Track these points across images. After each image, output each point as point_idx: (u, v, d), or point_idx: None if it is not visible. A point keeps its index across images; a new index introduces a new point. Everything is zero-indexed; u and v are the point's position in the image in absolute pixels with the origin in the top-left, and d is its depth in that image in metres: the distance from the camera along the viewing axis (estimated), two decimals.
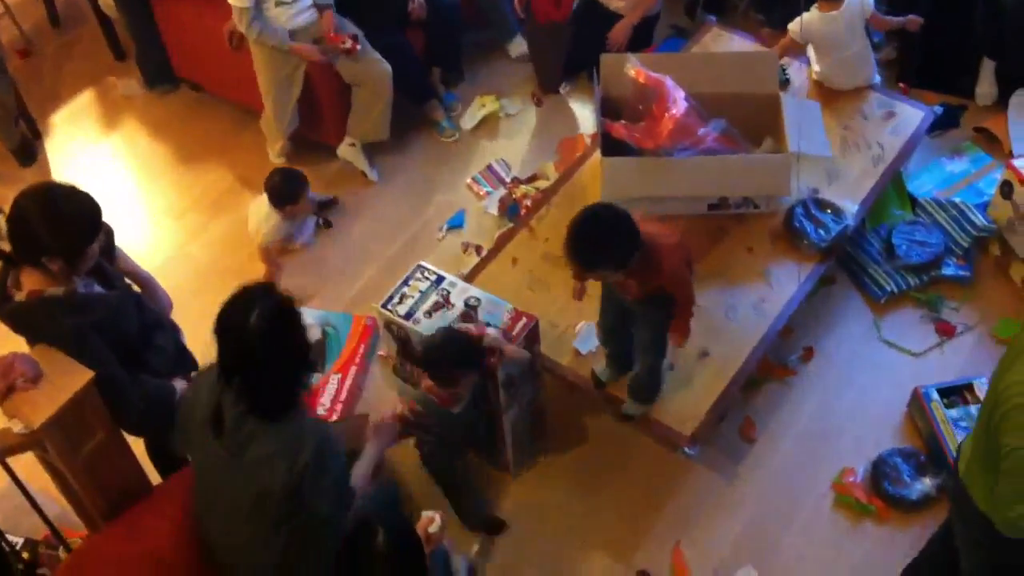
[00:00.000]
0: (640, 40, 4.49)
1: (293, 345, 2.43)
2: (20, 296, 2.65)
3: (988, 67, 4.45)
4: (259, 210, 4.09)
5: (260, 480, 2.45)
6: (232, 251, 4.21)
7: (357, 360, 3.77)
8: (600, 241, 2.81)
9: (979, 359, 3.66)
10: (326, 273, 4.15)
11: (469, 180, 4.45)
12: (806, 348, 3.74)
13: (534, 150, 4.57)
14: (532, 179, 4.40)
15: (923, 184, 4.18)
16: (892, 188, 4.00)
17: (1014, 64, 4.40)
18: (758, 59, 3.92)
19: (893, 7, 4.27)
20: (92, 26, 5.12)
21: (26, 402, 2.56)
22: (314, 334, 3.75)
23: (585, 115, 4.69)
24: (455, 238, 4.23)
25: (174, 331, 3.06)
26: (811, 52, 4.12)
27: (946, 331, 3.76)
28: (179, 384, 2.90)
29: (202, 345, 2.75)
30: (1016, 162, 3.76)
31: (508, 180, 4.42)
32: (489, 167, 4.49)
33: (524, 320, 3.17)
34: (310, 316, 3.84)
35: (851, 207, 3.68)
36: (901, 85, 4.53)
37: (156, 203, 4.53)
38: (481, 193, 4.39)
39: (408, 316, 3.20)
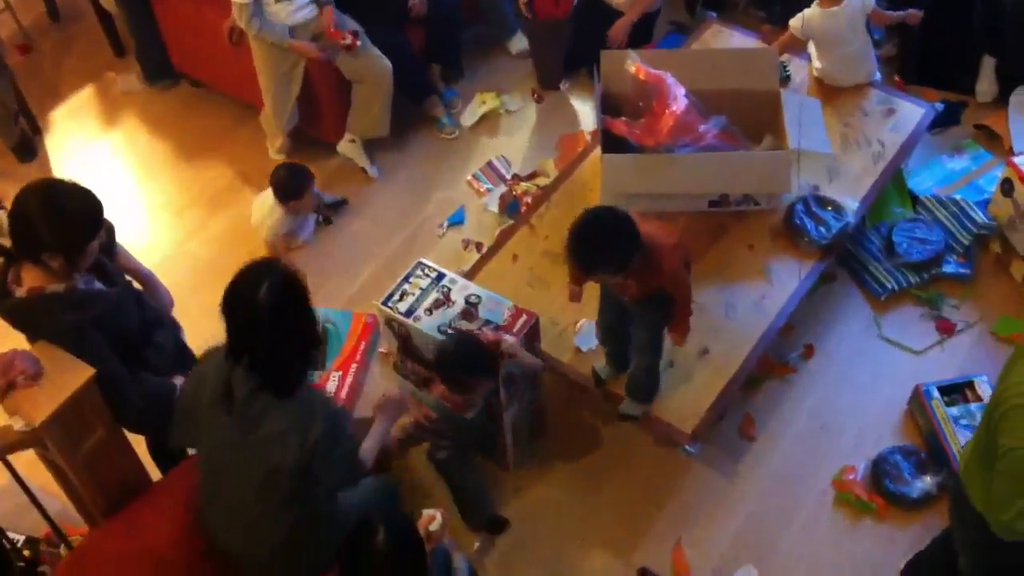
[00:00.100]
0: (640, 36, 4.49)
1: (302, 318, 2.45)
2: (20, 293, 2.65)
3: (988, 64, 4.44)
4: (263, 205, 4.09)
5: (272, 456, 2.47)
6: (232, 248, 4.20)
7: (358, 357, 3.77)
8: (601, 244, 2.81)
9: (979, 357, 3.67)
10: (326, 270, 4.14)
11: (469, 177, 4.45)
12: (806, 346, 3.74)
13: (534, 147, 4.56)
14: (532, 176, 4.40)
15: (923, 181, 4.18)
16: (892, 185, 4.00)
17: (1014, 62, 4.40)
18: (758, 56, 3.92)
19: (893, 2, 4.27)
20: (91, 22, 5.11)
21: (27, 399, 2.57)
22: None
23: (585, 112, 4.68)
24: (455, 235, 4.23)
25: (175, 328, 3.07)
26: (812, 49, 4.12)
27: (946, 329, 3.76)
28: (179, 381, 2.90)
29: (202, 342, 2.76)
30: (1017, 159, 3.76)
31: (508, 177, 4.42)
32: (489, 164, 4.48)
33: (524, 317, 3.17)
34: None
35: (852, 204, 3.68)
36: (897, 79, 4.52)
37: (156, 199, 4.53)
38: (481, 190, 4.39)
39: (409, 313, 3.19)
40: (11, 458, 2.74)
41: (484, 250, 3.92)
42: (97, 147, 4.76)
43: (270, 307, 2.35)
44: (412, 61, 4.49)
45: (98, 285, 2.79)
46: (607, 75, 3.79)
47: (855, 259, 3.92)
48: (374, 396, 3.58)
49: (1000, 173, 3.89)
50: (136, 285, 3.04)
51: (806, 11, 3.97)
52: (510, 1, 4.77)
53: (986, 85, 4.47)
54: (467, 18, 4.77)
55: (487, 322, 3.14)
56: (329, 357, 3.77)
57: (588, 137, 4.43)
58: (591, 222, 2.82)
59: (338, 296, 4.03)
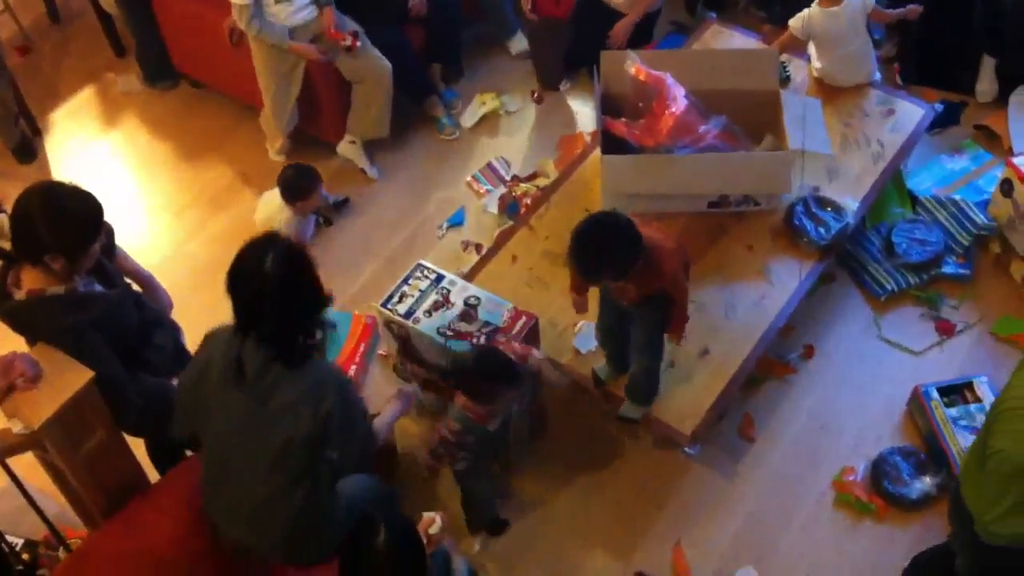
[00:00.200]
0: (640, 37, 4.49)
1: (309, 284, 2.49)
2: (20, 295, 2.66)
3: (988, 64, 4.44)
4: (270, 204, 4.09)
5: (285, 427, 2.49)
6: (232, 248, 4.11)
7: (357, 359, 3.77)
8: (603, 251, 2.80)
9: (979, 357, 3.67)
10: (326, 271, 4.03)
11: (469, 178, 4.45)
12: (806, 346, 3.74)
13: (534, 148, 4.56)
14: (532, 177, 4.40)
15: (923, 181, 4.17)
16: (892, 186, 4.00)
17: (1014, 62, 4.40)
18: (758, 56, 3.92)
19: (893, 1, 4.27)
20: (91, 22, 5.11)
21: (26, 402, 2.57)
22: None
23: (585, 113, 4.68)
24: (455, 236, 4.23)
25: (174, 330, 3.07)
26: (812, 49, 4.11)
27: (946, 329, 3.76)
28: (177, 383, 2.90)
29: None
30: (1016, 160, 3.76)
31: (508, 178, 4.41)
32: (489, 165, 4.48)
33: (524, 319, 3.17)
34: None
35: (851, 205, 3.68)
36: (895, 67, 4.52)
37: (155, 200, 4.53)
38: (481, 191, 4.38)
39: (408, 315, 3.20)
40: (10, 461, 2.74)
41: (484, 251, 3.92)
42: (97, 148, 4.76)
43: (277, 277, 2.39)
44: (412, 60, 4.49)
45: (98, 287, 2.79)
46: (607, 76, 3.79)
47: (855, 260, 3.92)
48: (374, 398, 3.59)
49: (1000, 173, 3.88)
50: (135, 287, 3.04)
51: (806, 11, 3.97)
52: (511, 1, 4.77)
53: (986, 85, 4.47)
54: (467, 16, 4.77)
55: (486, 324, 3.14)
56: (328, 358, 3.76)
57: (588, 138, 4.43)
58: (592, 228, 2.81)
59: (338, 297, 4.03)
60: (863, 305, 3.86)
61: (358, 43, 4.11)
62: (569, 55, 4.69)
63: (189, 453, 3.10)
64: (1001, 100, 4.42)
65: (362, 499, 2.87)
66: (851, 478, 3.40)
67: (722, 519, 3.35)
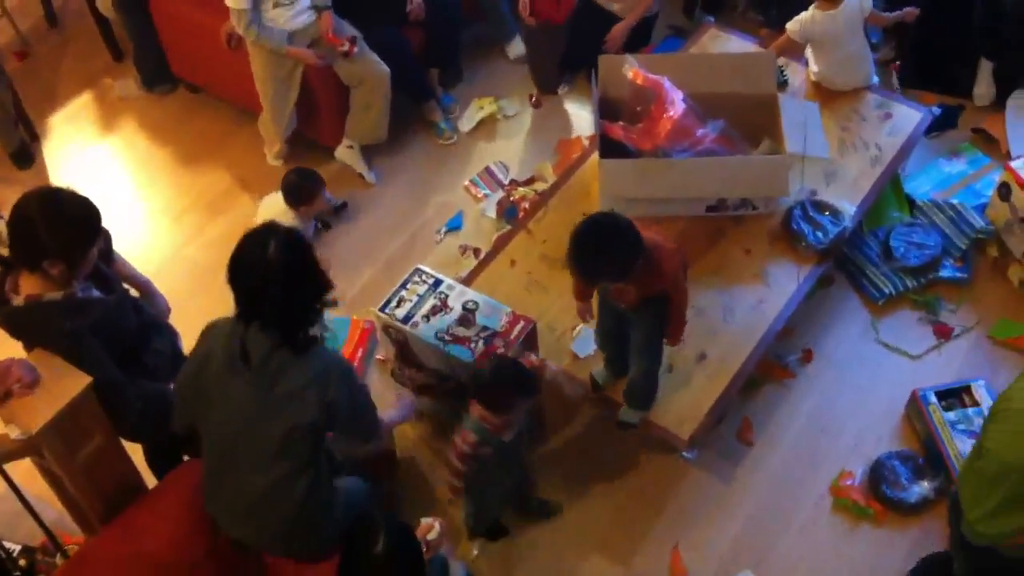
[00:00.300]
0: (638, 40, 4.50)
1: (312, 270, 2.52)
2: (18, 300, 2.66)
3: (986, 68, 4.44)
4: (272, 208, 4.08)
5: (291, 413, 2.51)
6: (230, 252, 4.19)
7: (355, 364, 3.77)
8: (603, 252, 2.79)
9: (977, 361, 3.67)
10: None
11: (467, 182, 4.45)
12: (804, 350, 3.74)
13: (532, 152, 4.56)
14: (530, 181, 4.40)
15: (921, 185, 4.18)
16: (890, 189, 4.00)
17: (1014, 64, 4.41)
18: (756, 60, 3.92)
19: (891, 4, 4.27)
20: (89, 27, 5.10)
21: (23, 407, 2.57)
22: None
23: (583, 117, 4.68)
24: (453, 240, 4.23)
25: (172, 335, 3.07)
26: (809, 52, 4.12)
27: (944, 333, 3.76)
28: None
29: None
30: (1014, 163, 3.76)
31: (506, 182, 4.42)
32: (487, 169, 4.48)
33: (522, 323, 3.17)
34: None
35: (849, 209, 3.68)
36: (895, 74, 4.52)
37: (153, 204, 4.53)
38: (479, 195, 4.39)
39: (406, 320, 3.19)
40: (7, 466, 2.74)
41: (482, 256, 3.92)
42: (95, 153, 4.76)
43: (281, 262, 2.43)
44: (412, 61, 4.49)
45: (96, 293, 2.79)
46: (605, 80, 3.80)
47: (852, 263, 3.92)
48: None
49: (997, 177, 3.89)
50: (133, 292, 3.04)
51: (804, 14, 3.97)
52: (510, 4, 4.76)
53: (983, 89, 4.47)
54: (467, 16, 4.76)
55: (484, 328, 3.14)
56: None
57: (586, 142, 4.43)
58: (592, 229, 2.80)
59: (336, 299, 4.03)
60: (861, 309, 3.86)
61: (355, 49, 4.11)
62: (565, 58, 4.69)
63: (187, 458, 3.10)
64: (999, 104, 4.42)
65: (358, 498, 2.89)
66: (849, 482, 3.39)
67: (720, 523, 3.34)
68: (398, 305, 3.24)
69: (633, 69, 3.65)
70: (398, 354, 3.34)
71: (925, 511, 3.30)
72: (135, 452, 3.06)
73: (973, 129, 4.40)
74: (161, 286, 3.25)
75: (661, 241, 2.91)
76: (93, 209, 2.67)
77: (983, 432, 2.44)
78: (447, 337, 3.14)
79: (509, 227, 4.05)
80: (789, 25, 4.01)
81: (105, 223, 2.78)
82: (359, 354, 3.79)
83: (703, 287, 3.49)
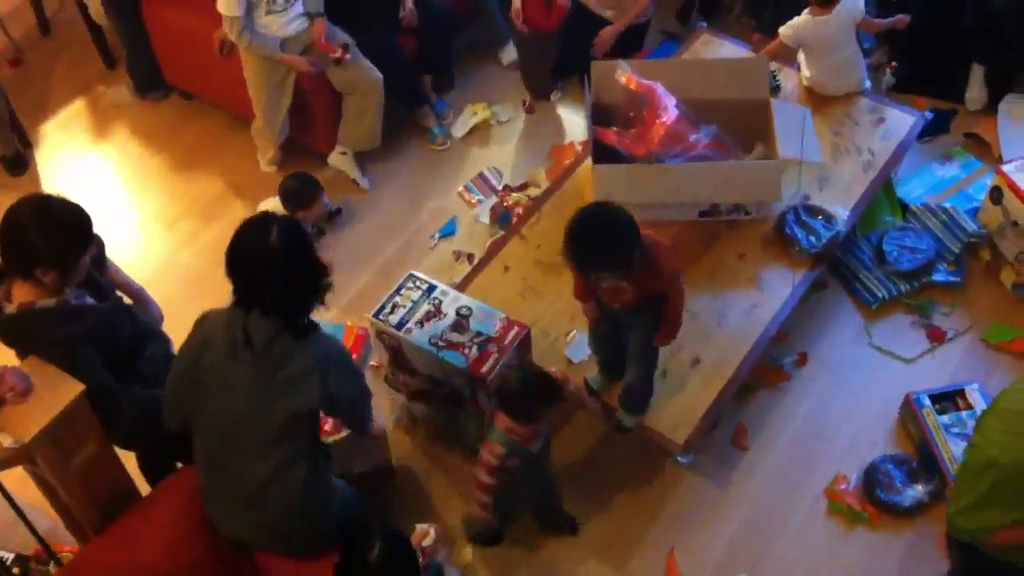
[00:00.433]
0: (630, 47, 4.50)
1: (311, 255, 2.58)
2: (11, 308, 2.66)
3: (978, 72, 4.46)
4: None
5: (293, 398, 2.56)
6: (223, 259, 4.18)
7: None
8: (601, 242, 2.75)
9: (970, 364, 3.67)
10: None
11: (461, 188, 4.45)
12: (800, 353, 3.75)
13: (525, 157, 4.56)
14: (523, 187, 4.40)
15: (913, 190, 4.19)
16: (883, 194, 4.01)
17: (1005, 67, 4.42)
18: (748, 65, 3.92)
19: (883, 10, 4.29)
20: (82, 34, 5.10)
21: (16, 415, 2.56)
22: None
23: (576, 122, 4.68)
24: (447, 246, 4.23)
25: (165, 342, 3.06)
26: (801, 57, 4.13)
27: (937, 337, 3.76)
28: None
29: None
30: (1006, 167, 3.78)
31: (499, 188, 4.42)
32: (480, 175, 4.48)
33: (516, 329, 3.17)
34: None
35: (842, 213, 3.69)
36: (892, 65, 4.54)
37: (147, 211, 4.52)
38: (473, 201, 4.39)
39: (400, 326, 3.19)
40: (0, 475, 2.73)
41: (475, 261, 3.92)
42: (88, 160, 4.75)
43: (283, 249, 2.47)
44: (405, 66, 4.49)
45: (89, 300, 2.79)
46: (598, 85, 3.80)
47: (846, 268, 3.93)
48: None
49: (989, 181, 3.90)
50: (126, 300, 3.04)
51: (797, 19, 3.98)
52: (502, 10, 4.77)
53: (975, 93, 4.48)
54: (461, 16, 4.76)
55: (478, 334, 3.14)
56: None
57: (579, 147, 4.44)
58: (589, 218, 2.77)
59: (330, 307, 4.01)
60: (854, 313, 3.87)
61: (348, 56, 4.11)
62: (558, 64, 4.69)
63: (180, 465, 3.09)
64: (991, 108, 4.44)
65: (352, 497, 2.92)
66: (844, 486, 3.40)
67: (716, 527, 3.34)
68: (392, 311, 3.24)
69: (626, 74, 3.66)
70: (392, 360, 3.34)
71: (919, 514, 3.31)
72: (128, 460, 3.06)
73: (965, 133, 4.41)
74: (155, 293, 3.25)
75: (659, 239, 2.90)
76: (84, 216, 2.68)
77: (975, 428, 2.47)
78: (441, 343, 3.14)
79: (503, 232, 4.05)
80: (782, 30, 4.02)
81: (98, 230, 2.78)
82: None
83: (697, 292, 3.49)
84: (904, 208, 4.09)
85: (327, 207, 4.27)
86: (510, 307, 3.35)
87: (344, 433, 3.32)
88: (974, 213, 3.96)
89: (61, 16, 5.38)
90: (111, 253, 3.10)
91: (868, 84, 4.17)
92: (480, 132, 4.70)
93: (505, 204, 4.31)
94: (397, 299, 3.27)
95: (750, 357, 3.40)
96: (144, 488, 3.10)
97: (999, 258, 3.87)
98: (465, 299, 3.27)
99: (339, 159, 4.47)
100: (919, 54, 4.53)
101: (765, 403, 3.63)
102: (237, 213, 4.39)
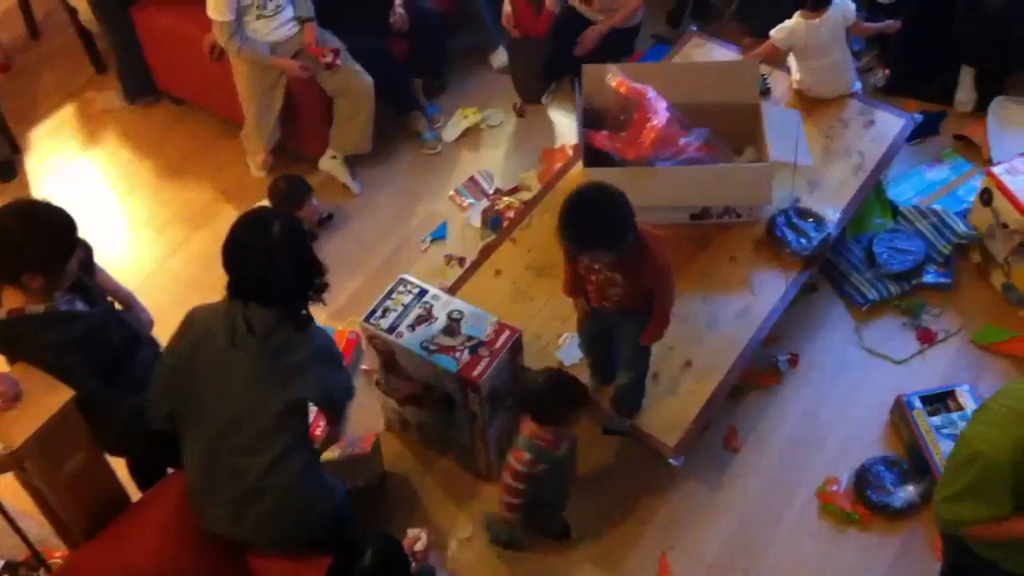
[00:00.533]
0: (620, 51, 4.50)
1: (309, 250, 2.67)
2: (0, 314, 2.64)
3: (968, 74, 4.47)
4: None
5: (293, 387, 2.61)
6: (214, 264, 4.07)
7: None
8: (596, 217, 2.73)
9: (961, 366, 3.68)
10: None
11: (452, 192, 4.44)
12: (791, 356, 3.75)
13: (516, 161, 4.57)
14: (515, 190, 4.40)
15: (904, 192, 4.20)
16: (873, 196, 4.02)
17: (994, 69, 4.44)
18: (739, 68, 3.94)
19: (873, 13, 4.30)
20: (71, 40, 5.09)
21: (5, 422, 2.55)
22: None
23: (567, 126, 4.69)
24: (438, 250, 4.23)
25: (155, 348, 3.05)
26: (792, 60, 4.14)
27: (927, 338, 3.77)
28: None
29: None
30: (995, 169, 3.79)
31: (491, 191, 4.42)
32: (472, 179, 4.48)
33: (508, 332, 3.17)
34: None
35: (832, 215, 3.69)
36: (884, 71, 4.55)
37: (137, 217, 4.51)
38: (464, 205, 4.38)
39: (391, 330, 3.19)
40: None
41: (467, 265, 3.92)
42: (78, 165, 4.74)
43: (285, 242, 2.54)
44: (395, 70, 4.49)
45: (80, 306, 2.79)
46: (589, 89, 3.81)
47: (836, 270, 3.94)
48: (357, 413, 3.59)
49: (979, 183, 3.91)
50: (116, 306, 3.03)
51: (788, 22, 3.99)
52: (493, 14, 4.77)
53: (965, 95, 4.50)
54: (452, 20, 4.76)
55: (470, 338, 3.14)
56: None
57: (570, 151, 4.44)
58: (586, 195, 2.76)
59: (320, 311, 4.01)
60: (845, 315, 3.87)
61: (338, 61, 4.11)
62: (549, 68, 4.69)
63: (171, 470, 3.08)
64: (980, 110, 4.45)
65: (343, 493, 2.93)
66: (835, 488, 3.40)
67: (708, 530, 3.35)
68: (383, 315, 3.23)
69: (617, 78, 3.67)
70: (383, 364, 3.33)
71: (910, 515, 3.31)
72: (119, 466, 3.05)
73: (955, 135, 4.42)
74: (145, 298, 3.24)
75: (652, 229, 2.90)
76: (68, 219, 2.68)
77: (969, 420, 2.49)
78: (432, 347, 3.14)
79: (494, 236, 4.05)
80: (774, 33, 4.03)
81: (88, 236, 2.78)
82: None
83: (688, 294, 3.50)
84: (894, 210, 4.10)
85: (320, 212, 4.26)
86: (501, 311, 3.35)
87: (336, 454, 3.30)
88: (964, 215, 3.97)
89: (50, 21, 5.37)
90: (101, 259, 3.09)
91: (858, 87, 4.18)
92: (471, 136, 4.70)
93: (496, 208, 4.31)
94: (388, 303, 3.26)
95: (741, 359, 3.41)
96: (135, 494, 3.09)
97: (989, 260, 3.88)
98: (456, 303, 3.27)
99: (330, 163, 4.46)
100: (909, 56, 4.54)
101: (757, 405, 3.63)
102: (227, 218, 4.33)
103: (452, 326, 3.18)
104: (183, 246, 4.36)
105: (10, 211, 2.62)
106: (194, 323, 2.68)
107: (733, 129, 3.73)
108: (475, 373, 3.06)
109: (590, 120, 3.75)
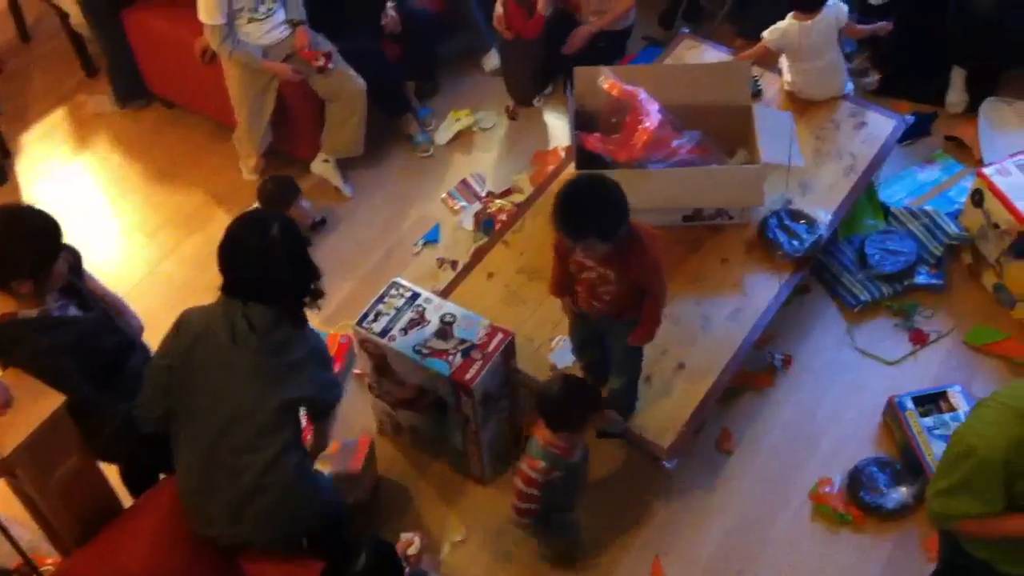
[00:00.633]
0: (611, 54, 4.50)
1: (306, 252, 2.72)
2: None
3: (959, 75, 4.48)
4: None
5: (291, 385, 2.66)
6: (206, 268, 4.07)
7: None
8: (592, 206, 2.74)
9: (953, 367, 3.69)
10: None
11: (444, 195, 4.44)
12: (783, 357, 3.75)
13: (509, 164, 4.56)
14: (507, 193, 4.40)
15: (895, 193, 4.20)
16: (865, 197, 4.03)
17: (987, 71, 4.45)
18: (730, 70, 3.94)
19: (864, 15, 4.30)
20: (63, 43, 5.07)
21: None
22: None
23: (559, 128, 4.69)
24: (430, 253, 4.22)
25: (146, 353, 3.05)
26: (783, 62, 4.14)
27: (920, 339, 3.78)
28: None
29: None
30: (986, 170, 3.79)
31: (483, 194, 4.41)
32: (464, 181, 4.48)
33: (500, 335, 3.17)
34: None
35: (824, 217, 3.70)
36: (877, 77, 4.57)
37: (129, 220, 4.50)
38: (456, 207, 4.38)
39: (384, 334, 3.18)
40: None
41: (459, 268, 3.92)
42: (69, 169, 4.73)
43: (284, 243, 2.60)
44: (387, 73, 4.49)
45: (73, 311, 2.78)
46: (581, 91, 3.81)
47: (828, 271, 3.94)
48: (349, 417, 3.58)
49: (970, 184, 3.92)
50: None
51: (780, 24, 4.00)
52: (485, 16, 4.77)
53: (956, 96, 4.51)
54: (444, 22, 4.75)
55: (462, 341, 3.14)
56: None
57: (562, 153, 4.44)
58: (580, 184, 2.79)
59: (312, 315, 3.99)
60: (837, 316, 3.88)
61: (330, 65, 4.10)
62: (542, 69, 4.69)
63: (163, 476, 3.08)
64: (971, 111, 4.46)
65: (336, 494, 2.99)
66: (828, 489, 3.40)
67: (702, 532, 3.35)
68: (375, 319, 3.23)
69: (609, 80, 3.67)
70: (376, 368, 3.33)
71: (903, 517, 3.32)
72: (110, 472, 3.04)
73: (946, 136, 4.43)
74: (137, 303, 3.24)
75: (645, 224, 2.90)
76: (53, 222, 2.68)
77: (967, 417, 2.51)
78: (425, 350, 3.14)
79: (486, 239, 4.04)
80: (766, 34, 4.04)
81: (80, 240, 2.77)
82: (337, 368, 3.77)
83: (680, 296, 3.50)
84: (886, 211, 4.10)
85: (313, 217, 4.26)
86: (494, 314, 3.35)
87: (327, 472, 3.30)
88: (955, 216, 3.98)
89: (41, 24, 5.35)
90: (92, 263, 3.09)
91: (850, 88, 4.19)
92: (463, 138, 4.70)
93: (489, 210, 4.31)
94: (380, 307, 3.26)
95: (734, 361, 3.41)
96: (127, 500, 3.08)
97: (981, 260, 3.89)
98: (449, 306, 3.27)
99: (322, 166, 4.46)
100: (901, 57, 4.55)
101: (749, 407, 3.64)
102: (220, 222, 4.34)
103: (445, 329, 3.18)
104: (175, 250, 4.35)
105: None
106: (190, 322, 2.69)
107: (725, 131, 3.74)
108: (468, 376, 3.05)
109: (582, 122, 3.75)
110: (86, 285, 2.95)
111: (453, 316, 3.21)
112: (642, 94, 3.63)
